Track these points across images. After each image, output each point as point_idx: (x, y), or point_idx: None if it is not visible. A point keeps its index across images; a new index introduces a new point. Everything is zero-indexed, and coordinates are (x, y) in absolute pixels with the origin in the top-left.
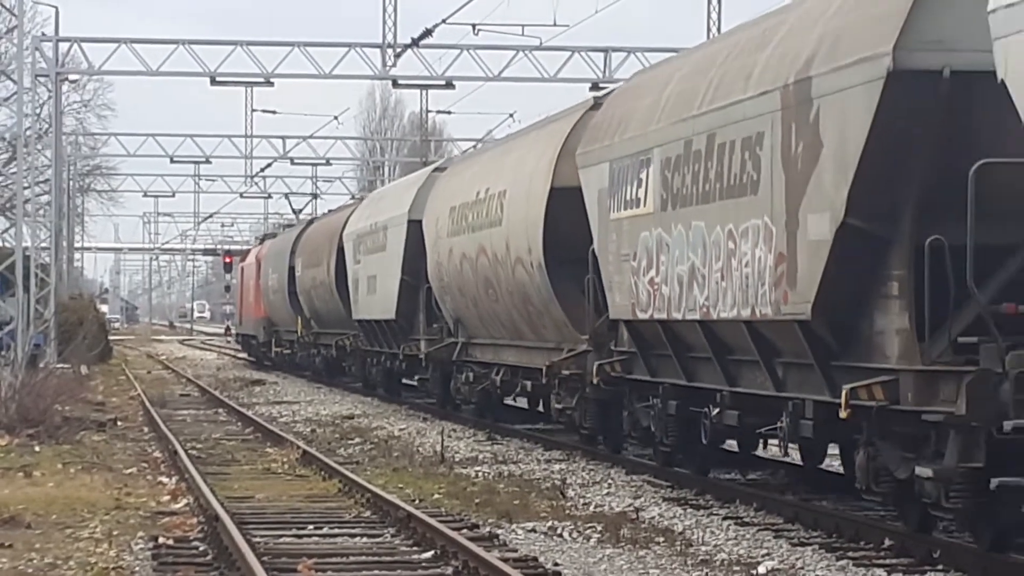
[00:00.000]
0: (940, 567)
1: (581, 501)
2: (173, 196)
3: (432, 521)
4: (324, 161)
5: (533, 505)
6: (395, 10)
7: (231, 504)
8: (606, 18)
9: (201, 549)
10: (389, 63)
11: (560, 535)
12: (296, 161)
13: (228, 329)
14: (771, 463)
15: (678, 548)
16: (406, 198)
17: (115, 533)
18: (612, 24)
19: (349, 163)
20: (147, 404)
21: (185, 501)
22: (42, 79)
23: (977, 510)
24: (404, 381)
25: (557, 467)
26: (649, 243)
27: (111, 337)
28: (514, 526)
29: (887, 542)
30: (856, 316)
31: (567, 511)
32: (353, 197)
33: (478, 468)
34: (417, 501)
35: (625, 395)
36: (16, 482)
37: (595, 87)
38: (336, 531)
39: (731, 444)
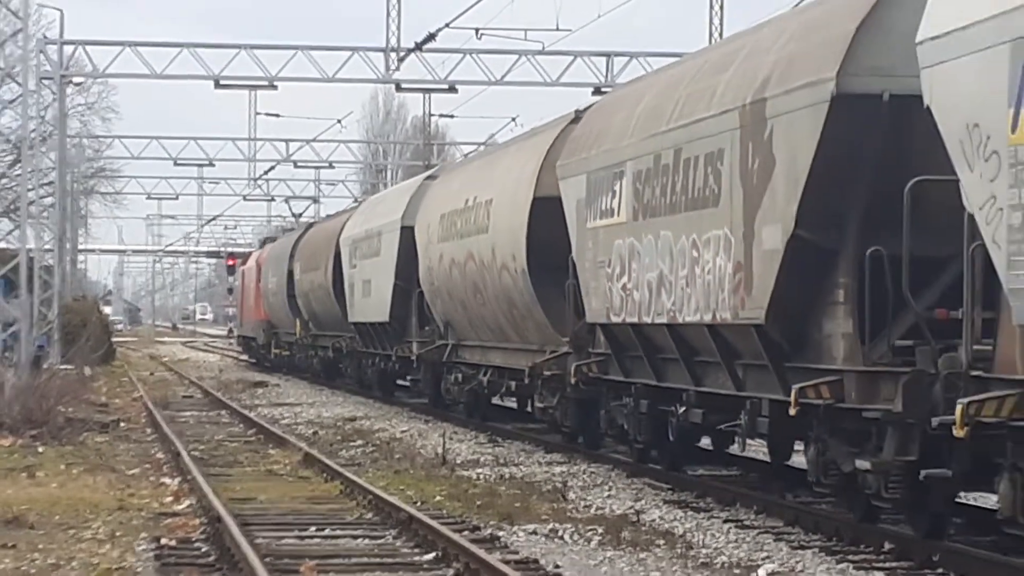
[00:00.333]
0: (940, 571)
1: (582, 503)
2: (176, 199)
3: (434, 523)
4: (327, 164)
5: (534, 507)
6: (399, 14)
7: (233, 505)
8: (609, 23)
9: (204, 550)
10: (392, 67)
11: (561, 537)
12: (299, 164)
13: (231, 331)
14: (742, 460)
15: (679, 551)
16: (399, 205)
17: (118, 534)
18: (614, 29)
19: (352, 166)
20: (150, 406)
21: (188, 502)
22: (46, 82)
23: (913, 500)
24: (399, 382)
25: (558, 469)
26: (622, 251)
27: (114, 339)
28: (515, 528)
29: (887, 546)
30: (806, 321)
31: (568, 513)
32: (356, 200)
33: (479, 470)
34: (419, 503)
35: (602, 395)
36: (19, 483)
37: (597, 91)
38: (338, 533)
39: (706, 443)
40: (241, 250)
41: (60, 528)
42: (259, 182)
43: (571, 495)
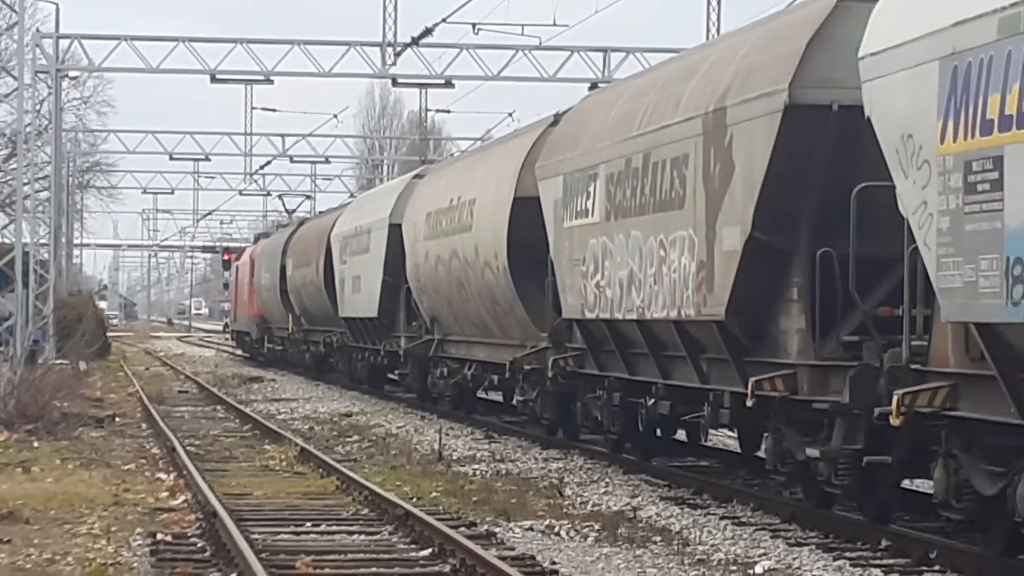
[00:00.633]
0: (937, 567)
1: (578, 500)
2: (172, 193)
3: (430, 519)
4: (323, 159)
5: (531, 504)
6: (395, 9)
7: (229, 501)
8: (606, 18)
9: (199, 545)
10: (389, 62)
11: (557, 534)
12: (295, 159)
13: (226, 326)
14: (715, 451)
15: (675, 547)
16: (387, 203)
17: (113, 529)
18: (612, 24)
19: (348, 161)
20: (145, 400)
21: (183, 497)
22: (42, 75)
23: (861, 487)
24: (390, 376)
25: (555, 466)
26: (596, 250)
27: (109, 333)
28: (512, 524)
29: (884, 542)
30: (763, 317)
31: (564, 510)
32: (352, 195)
33: (476, 466)
34: (415, 499)
35: (578, 388)
36: (14, 478)
37: (594, 87)
38: (334, 528)
39: (682, 435)
40: (237, 245)
41: (55, 523)
42: (255, 177)
43: (567, 491)
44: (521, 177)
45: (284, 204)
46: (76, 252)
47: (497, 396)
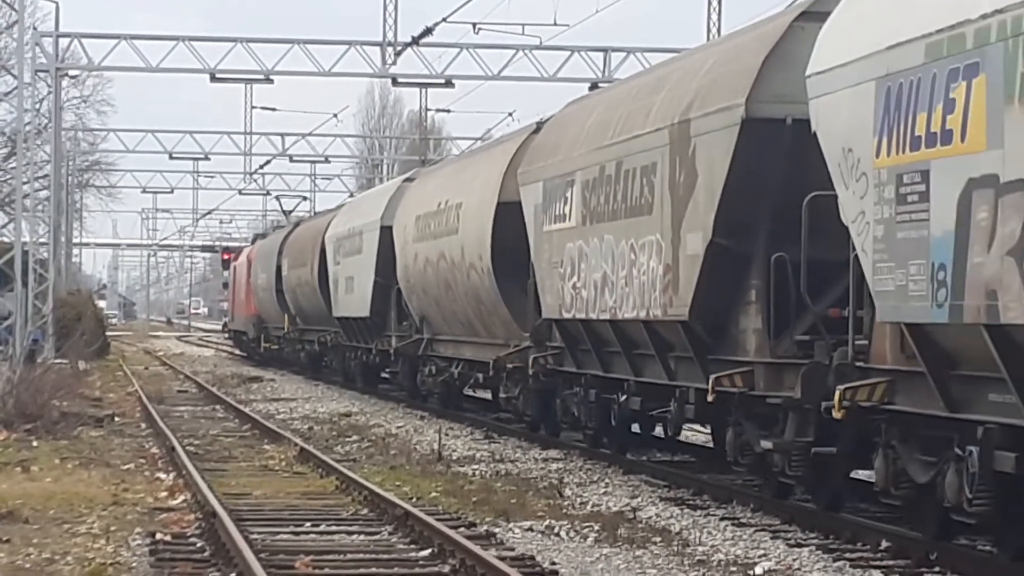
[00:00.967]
0: (937, 569)
1: (578, 500)
2: (172, 192)
3: (429, 519)
4: (323, 159)
5: (530, 504)
6: (395, 8)
7: (228, 501)
8: (606, 17)
9: (198, 545)
10: (389, 61)
11: (557, 534)
12: (295, 158)
13: (225, 326)
14: (689, 447)
15: (675, 548)
16: (379, 206)
17: (112, 529)
18: (612, 23)
19: (348, 161)
20: (145, 400)
21: (183, 497)
22: (42, 74)
23: (813, 477)
24: (383, 375)
25: (554, 466)
26: (573, 253)
27: (109, 333)
28: (511, 525)
29: (884, 544)
30: (724, 318)
31: (564, 510)
32: (351, 195)
33: (475, 466)
34: (414, 499)
35: (558, 385)
36: (14, 477)
37: (594, 87)
38: (333, 528)
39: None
40: (236, 245)
41: (54, 523)
42: (255, 176)
43: (567, 492)
44: (504, 182)
45: (281, 205)
46: (75, 251)
47: (486, 394)
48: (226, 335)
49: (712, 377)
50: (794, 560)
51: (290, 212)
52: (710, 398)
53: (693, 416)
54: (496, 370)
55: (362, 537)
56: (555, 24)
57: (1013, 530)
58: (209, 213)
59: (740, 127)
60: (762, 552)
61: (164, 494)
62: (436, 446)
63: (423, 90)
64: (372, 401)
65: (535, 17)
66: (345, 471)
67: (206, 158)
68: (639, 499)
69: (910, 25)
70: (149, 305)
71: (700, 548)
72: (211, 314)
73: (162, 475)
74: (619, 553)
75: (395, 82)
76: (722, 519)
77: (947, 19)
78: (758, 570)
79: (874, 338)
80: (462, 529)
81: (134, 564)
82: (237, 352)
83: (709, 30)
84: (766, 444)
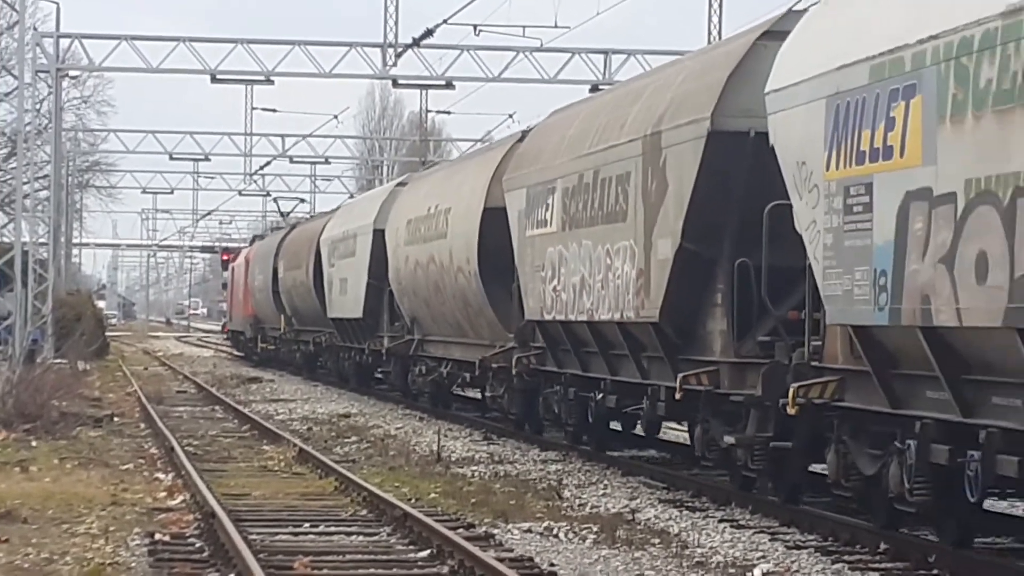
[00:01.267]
0: (935, 572)
1: (577, 502)
2: (172, 193)
3: (428, 520)
4: (323, 160)
5: (529, 505)
6: (396, 10)
7: (227, 501)
8: (607, 20)
9: (197, 546)
10: (389, 63)
11: (556, 536)
12: (295, 159)
13: (224, 327)
14: (668, 444)
15: (674, 550)
16: (372, 209)
17: (111, 529)
18: (613, 26)
19: (348, 162)
20: (144, 400)
21: (181, 497)
22: (42, 75)
23: (773, 471)
24: (376, 375)
25: (553, 468)
26: (553, 257)
27: (108, 333)
28: (510, 526)
29: (882, 546)
30: (693, 319)
31: (563, 512)
32: (351, 196)
33: (474, 468)
34: (413, 500)
35: (540, 384)
36: (13, 477)
37: (595, 89)
38: (332, 529)
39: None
40: (236, 245)
41: (53, 523)
42: (255, 177)
43: (566, 493)
44: (491, 189)
45: (279, 206)
46: (75, 252)
47: (476, 393)
48: (225, 336)
49: (680, 376)
50: (793, 562)
51: (288, 214)
52: (678, 396)
53: (664, 413)
54: (482, 370)
55: (361, 538)
56: (556, 26)
57: (949, 519)
58: (209, 214)
59: (706, 139)
60: (761, 554)
61: (163, 494)
62: (435, 447)
63: (423, 91)
64: (371, 402)
65: (536, 19)
66: (344, 472)
67: (206, 159)
68: (638, 501)
69: (856, 48)
70: (148, 305)
71: (699, 550)
72: (210, 315)
73: (161, 475)
74: (618, 555)
75: (395, 83)
76: (721, 521)
77: (889, 43)
78: (757, 572)
79: (827, 340)
80: (461, 530)
81: (133, 564)
82: (236, 353)
83: (710, 32)
84: (729, 439)
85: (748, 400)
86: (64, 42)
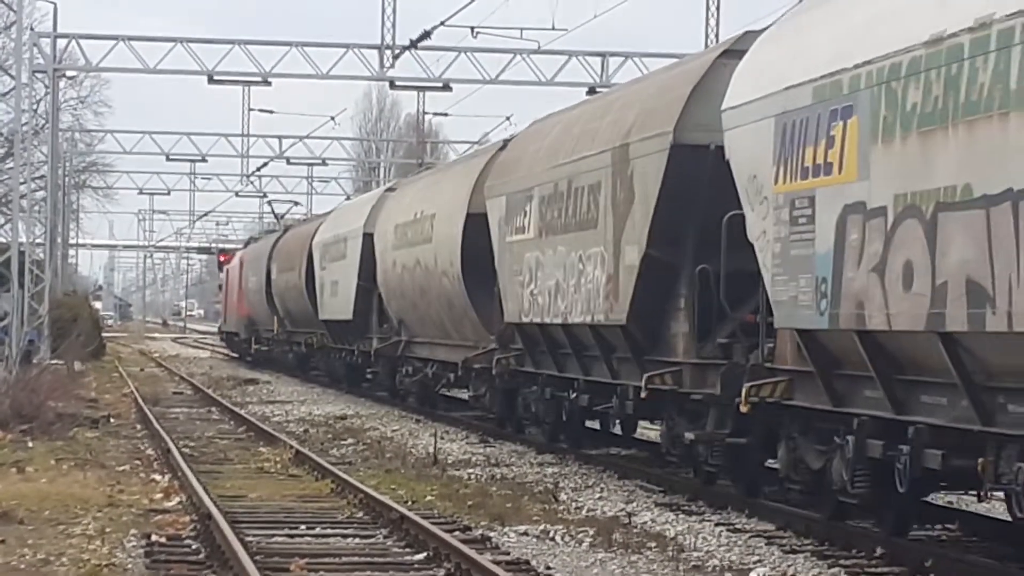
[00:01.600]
0: None
1: (573, 505)
2: (168, 194)
3: (425, 523)
4: (320, 161)
5: (526, 508)
6: (394, 12)
7: (224, 503)
8: (604, 22)
9: (194, 547)
10: (387, 64)
11: (552, 539)
12: (292, 161)
13: (220, 328)
14: (642, 443)
15: (670, 553)
16: (362, 214)
17: (108, 530)
18: (610, 28)
19: (345, 164)
20: (140, 401)
21: (178, 499)
22: (39, 75)
23: (733, 466)
24: (367, 376)
25: (550, 471)
26: (531, 262)
27: (104, 334)
28: (506, 529)
29: (879, 551)
30: (658, 322)
31: (559, 515)
32: (348, 197)
33: (471, 470)
34: (410, 502)
35: (520, 384)
36: (9, 478)
37: (592, 91)
38: (329, 531)
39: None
40: (232, 247)
41: (50, 524)
42: (251, 178)
43: (562, 496)
44: (473, 195)
45: (273, 209)
46: (72, 252)
47: (462, 393)
48: (220, 338)
49: (646, 376)
50: (789, 566)
51: (282, 216)
52: (643, 395)
53: (632, 411)
54: (465, 370)
55: (357, 540)
56: (553, 28)
57: (886, 509)
58: (206, 215)
59: (669, 152)
60: (757, 558)
61: (159, 496)
62: (432, 449)
63: (421, 93)
64: (367, 404)
65: (533, 21)
66: (341, 474)
67: (203, 160)
68: (634, 504)
69: (801, 71)
70: (145, 306)
71: (695, 554)
72: (207, 316)
73: (157, 477)
74: (614, 558)
75: (393, 85)
76: (717, 525)
77: (829, 67)
78: None
79: (778, 342)
80: (457, 533)
81: (129, 566)
82: (231, 354)
83: (707, 35)
84: (690, 436)
85: (708, 399)
86: (61, 42)
